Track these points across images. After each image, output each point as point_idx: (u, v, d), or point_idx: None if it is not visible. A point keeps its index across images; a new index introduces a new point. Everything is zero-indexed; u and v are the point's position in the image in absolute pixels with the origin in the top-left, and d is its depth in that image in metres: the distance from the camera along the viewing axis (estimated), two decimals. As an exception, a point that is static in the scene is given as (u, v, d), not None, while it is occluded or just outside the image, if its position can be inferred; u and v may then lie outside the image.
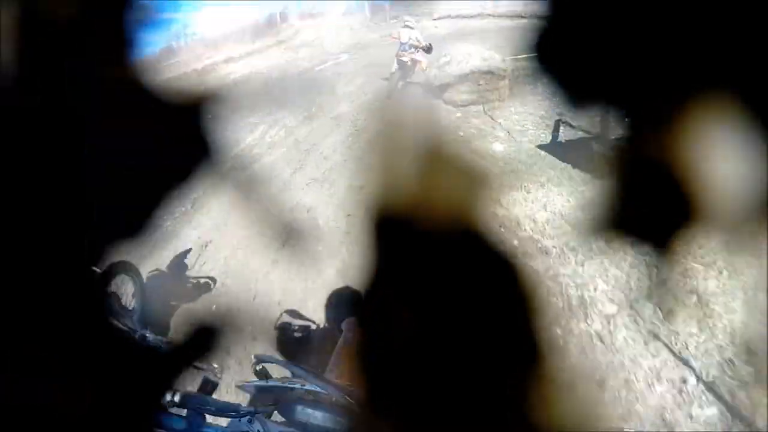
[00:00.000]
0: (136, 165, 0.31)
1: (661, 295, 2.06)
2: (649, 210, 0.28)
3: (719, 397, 1.63)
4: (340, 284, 2.45)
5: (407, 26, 5.34)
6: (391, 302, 0.29)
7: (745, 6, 0.24)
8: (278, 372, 0.95)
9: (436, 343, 0.28)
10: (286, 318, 2.18)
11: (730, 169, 0.26)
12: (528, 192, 3.11)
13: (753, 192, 0.25)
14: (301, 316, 2.18)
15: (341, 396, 0.77)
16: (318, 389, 0.79)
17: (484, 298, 0.28)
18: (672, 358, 1.81)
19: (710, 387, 1.67)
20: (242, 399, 1.02)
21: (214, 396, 0.84)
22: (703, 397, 1.64)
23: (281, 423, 0.79)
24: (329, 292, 2.42)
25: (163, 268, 2.79)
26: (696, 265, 2.17)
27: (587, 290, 2.19)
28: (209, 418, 0.77)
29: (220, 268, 2.85)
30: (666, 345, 1.86)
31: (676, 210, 0.27)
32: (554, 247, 2.54)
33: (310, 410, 0.78)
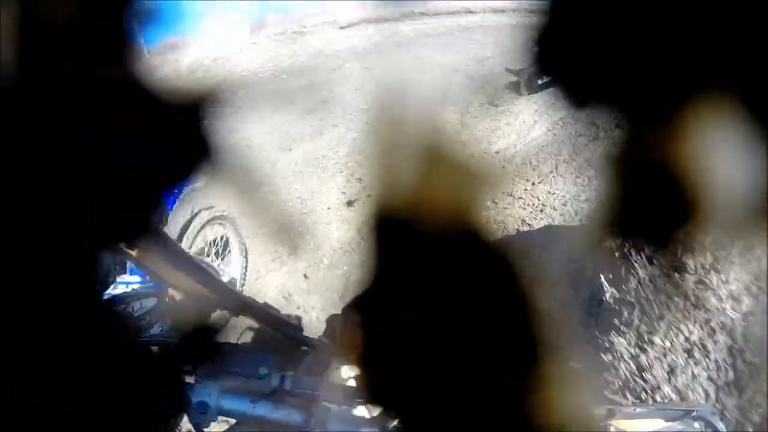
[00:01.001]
0: (136, 165, 0.31)
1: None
2: (649, 210, 0.28)
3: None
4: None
5: None
6: (391, 302, 0.29)
7: (745, 6, 0.24)
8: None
9: (436, 342, 0.28)
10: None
11: (730, 168, 0.26)
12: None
13: (753, 191, 0.25)
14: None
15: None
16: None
17: (483, 298, 0.28)
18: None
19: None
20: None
21: None
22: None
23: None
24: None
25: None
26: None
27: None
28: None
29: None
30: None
31: (676, 210, 0.27)
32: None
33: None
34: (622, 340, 1.90)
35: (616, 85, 0.27)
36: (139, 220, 0.36)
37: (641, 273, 2.19)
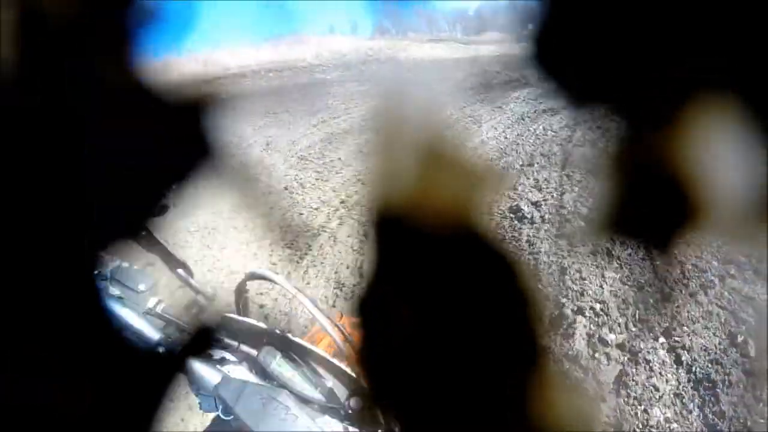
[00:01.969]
0: (136, 165, 0.31)
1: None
2: (648, 210, 0.28)
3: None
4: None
5: None
6: (391, 300, 0.29)
7: (746, 6, 0.24)
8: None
9: (435, 341, 0.28)
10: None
11: (730, 168, 0.26)
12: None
13: (753, 191, 0.25)
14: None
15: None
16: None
17: (483, 297, 0.29)
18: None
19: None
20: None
21: None
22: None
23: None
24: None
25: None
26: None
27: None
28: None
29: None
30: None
31: (676, 210, 0.27)
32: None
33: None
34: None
35: (616, 85, 0.27)
36: (137, 221, 0.36)
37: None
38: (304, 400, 0.76)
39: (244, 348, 0.85)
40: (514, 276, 0.29)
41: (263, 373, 0.81)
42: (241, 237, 3.07)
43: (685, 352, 1.83)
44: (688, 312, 1.98)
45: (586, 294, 2.17)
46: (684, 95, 0.26)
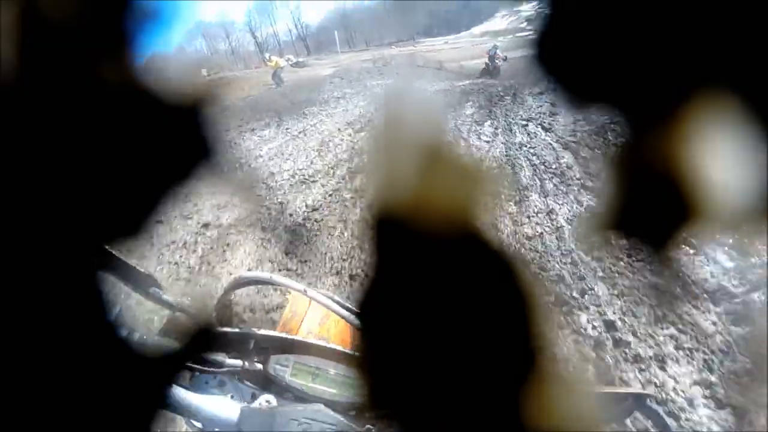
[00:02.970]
0: (135, 165, 0.31)
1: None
2: (648, 210, 0.28)
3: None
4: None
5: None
6: (390, 303, 0.29)
7: (746, 5, 0.24)
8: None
9: (434, 343, 0.28)
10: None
11: (730, 168, 0.26)
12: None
13: (753, 192, 0.25)
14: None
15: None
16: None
17: (481, 299, 0.28)
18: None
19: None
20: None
21: None
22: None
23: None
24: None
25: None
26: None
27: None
28: None
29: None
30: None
31: (676, 210, 0.27)
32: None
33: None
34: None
35: (616, 84, 0.27)
36: (139, 220, 0.35)
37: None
38: (337, 406, 0.66)
39: (232, 361, 0.74)
40: (515, 277, 0.29)
41: (276, 386, 0.71)
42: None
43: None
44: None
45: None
46: (684, 95, 0.26)
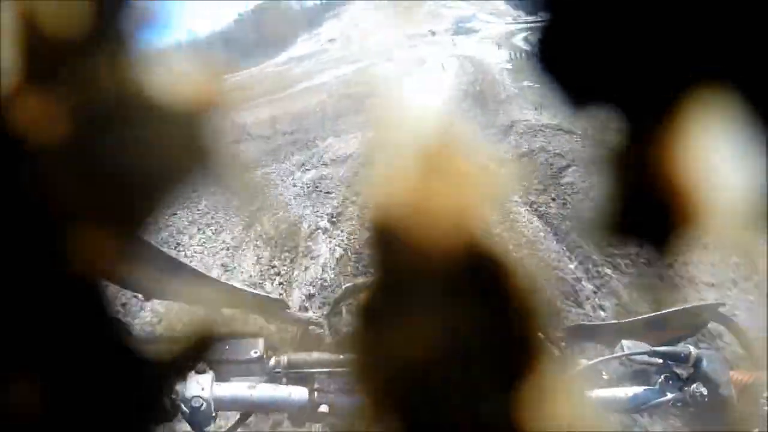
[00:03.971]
0: (135, 166, 0.31)
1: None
2: (647, 210, 0.28)
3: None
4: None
5: None
6: (388, 309, 0.28)
7: (745, 6, 0.24)
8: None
9: (433, 349, 0.28)
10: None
11: (730, 169, 0.26)
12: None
13: (753, 192, 0.25)
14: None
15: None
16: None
17: (481, 304, 0.28)
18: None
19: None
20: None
21: None
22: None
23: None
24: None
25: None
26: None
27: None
28: None
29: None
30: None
31: (675, 210, 0.27)
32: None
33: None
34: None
35: (615, 85, 0.27)
36: (139, 221, 0.35)
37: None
38: None
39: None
40: (515, 280, 0.29)
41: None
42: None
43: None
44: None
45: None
46: (684, 95, 0.26)
